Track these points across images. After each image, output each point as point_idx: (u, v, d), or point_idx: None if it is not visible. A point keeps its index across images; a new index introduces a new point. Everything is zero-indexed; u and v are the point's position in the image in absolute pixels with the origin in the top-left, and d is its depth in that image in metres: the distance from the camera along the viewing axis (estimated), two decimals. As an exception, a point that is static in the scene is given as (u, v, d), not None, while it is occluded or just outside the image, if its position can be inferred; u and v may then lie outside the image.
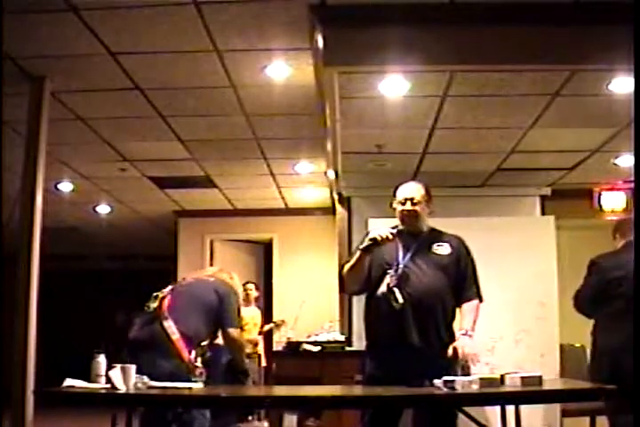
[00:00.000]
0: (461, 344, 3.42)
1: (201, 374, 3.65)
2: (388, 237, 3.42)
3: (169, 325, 3.65)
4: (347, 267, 3.58)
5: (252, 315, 7.51)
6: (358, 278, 3.58)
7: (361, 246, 3.47)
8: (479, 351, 3.46)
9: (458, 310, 3.59)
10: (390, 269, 3.52)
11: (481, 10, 3.87)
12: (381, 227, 3.51)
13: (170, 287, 3.91)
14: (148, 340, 3.67)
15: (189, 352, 3.65)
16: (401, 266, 3.51)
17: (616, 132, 5.41)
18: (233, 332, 3.85)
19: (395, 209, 3.64)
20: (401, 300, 3.43)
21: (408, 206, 3.58)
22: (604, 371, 3.91)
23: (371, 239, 3.42)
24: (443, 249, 3.60)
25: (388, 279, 3.50)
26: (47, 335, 5.89)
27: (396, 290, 3.45)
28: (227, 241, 9.40)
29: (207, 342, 3.89)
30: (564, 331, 5.86)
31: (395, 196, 3.66)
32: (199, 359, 3.71)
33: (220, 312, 3.83)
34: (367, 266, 3.56)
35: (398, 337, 3.44)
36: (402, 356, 3.42)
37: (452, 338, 3.49)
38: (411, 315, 3.44)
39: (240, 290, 4.19)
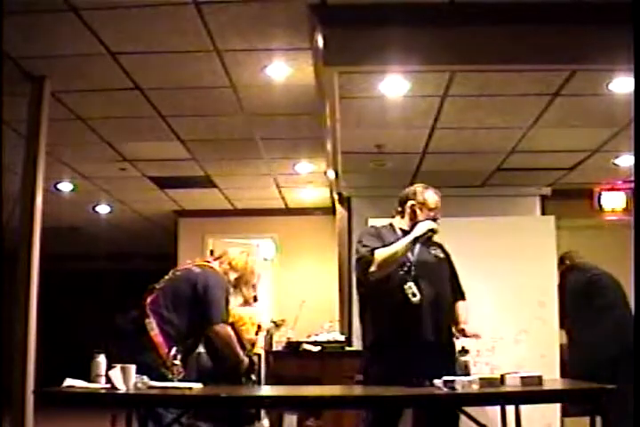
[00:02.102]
0: (467, 329, 3.59)
1: (179, 372, 3.63)
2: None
3: (149, 321, 3.66)
4: (386, 254, 3.50)
5: (250, 314, 7.49)
6: (390, 268, 3.53)
7: (419, 235, 3.51)
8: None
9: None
10: (402, 265, 3.54)
11: (481, 10, 3.87)
12: (426, 221, 3.57)
13: (165, 278, 3.88)
14: (132, 333, 3.68)
15: (169, 349, 3.63)
16: (413, 262, 3.55)
17: (616, 132, 5.41)
18: (217, 327, 3.73)
19: (416, 209, 3.66)
20: (418, 295, 3.46)
21: (438, 215, 3.67)
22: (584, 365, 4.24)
23: (431, 230, 3.51)
24: (439, 252, 3.72)
25: (400, 274, 3.51)
26: (47, 335, 5.89)
27: (411, 285, 3.48)
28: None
29: (192, 338, 3.82)
30: (563, 331, 5.86)
31: (424, 198, 3.67)
32: (179, 357, 3.66)
33: (201, 308, 3.72)
34: None
35: (415, 333, 3.47)
36: (417, 353, 3.42)
37: (452, 334, 3.60)
38: (426, 311, 3.49)
39: (247, 275, 4.04)
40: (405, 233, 3.62)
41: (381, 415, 3.44)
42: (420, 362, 3.36)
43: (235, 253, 4.08)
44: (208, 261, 4.02)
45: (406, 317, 3.47)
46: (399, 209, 3.74)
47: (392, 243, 3.54)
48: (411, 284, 3.48)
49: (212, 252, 8.78)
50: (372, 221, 6.01)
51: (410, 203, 3.67)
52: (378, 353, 3.58)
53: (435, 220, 3.63)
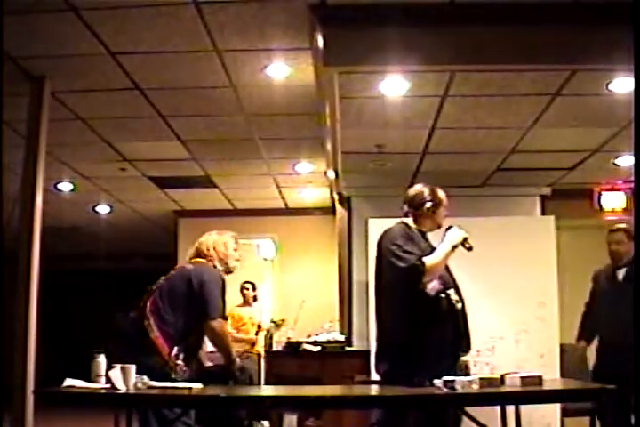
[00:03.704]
0: None
1: (183, 371, 3.64)
2: None
3: (148, 323, 3.64)
4: (434, 262, 3.45)
5: (249, 314, 7.50)
6: (437, 275, 3.52)
7: (458, 243, 3.49)
8: None
9: None
10: None
11: (481, 10, 3.87)
12: (455, 228, 3.56)
13: (162, 279, 3.88)
14: (134, 336, 3.67)
15: (170, 349, 3.62)
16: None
17: (616, 132, 5.41)
18: (213, 323, 3.68)
19: (435, 210, 3.64)
20: (460, 302, 3.50)
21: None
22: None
23: (466, 239, 3.50)
24: None
25: (440, 281, 3.50)
26: (47, 335, 5.89)
27: (452, 291, 3.49)
28: (227, 241, 9.39)
29: (193, 335, 3.82)
30: (564, 331, 5.86)
31: (441, 198, 3.67)
32: (181, 356, 3.66)
33: (198, 303, 3.70)
34: None
35: (461, 337, 3.49)
36: (458, 355, 3.47)
37: None
38: (463, 316, 3.52)
39: (229, 256, 3.94)
40: (423, 234, 3.61)
41: (392, 415, 3.43)
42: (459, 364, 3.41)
43: (211, 239, 3.98)
44: (197, 257, 4.01)
45: (454, 323, 3.47)
46: (413, 210, 3.66)
47: (422, 246, 3.53)
48: (452, 291, 3.48)
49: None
50: (372, 221, 6.04)
51: (429, 204, 3.62)
52: (414, 356, 3.41)
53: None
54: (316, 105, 5.02)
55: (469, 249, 3.53)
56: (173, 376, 3.53)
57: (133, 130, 6.03)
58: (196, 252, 4.00)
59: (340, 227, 7.47)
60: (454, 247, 3.49)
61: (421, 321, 3.43)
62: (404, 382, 3.18)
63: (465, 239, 3.51)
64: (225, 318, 3.82)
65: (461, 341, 3.49)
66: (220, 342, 3.78)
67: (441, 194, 3.68)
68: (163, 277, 3.91)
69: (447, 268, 3.64)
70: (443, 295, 3.45)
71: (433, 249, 3.55)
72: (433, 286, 3.45)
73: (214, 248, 3.95)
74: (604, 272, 5.04)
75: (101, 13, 3.99)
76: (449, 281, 3.55)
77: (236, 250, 4.02)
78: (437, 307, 3.44)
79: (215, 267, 3.91)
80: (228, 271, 3.97)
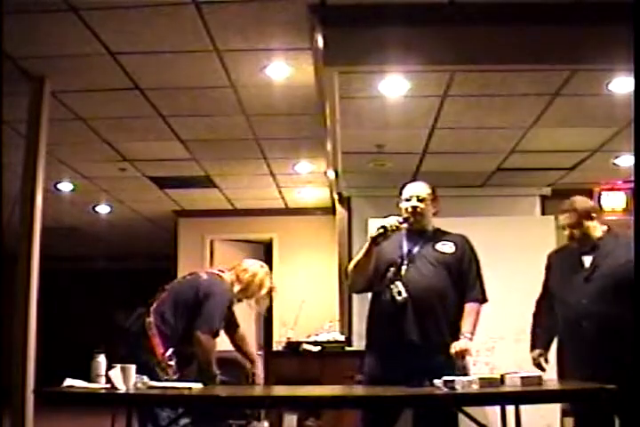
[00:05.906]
0: (457, 344, 3.42)
1: (174, 373, 3.65)
2: (397, 226, 3.44)
3: (149, 321, 3.71)
4: (353, 263, 3.58)
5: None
6: (365, 275, 3.55)
7: (372, 235, 3.44)
8: (472, 349, 3.46)
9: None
10: (394, 265, 3.53)
11: (481, 10, 3.87)
12: (390, 217, 3.49)
13: (175, 281, 3.97)
14: (135, 332, 3.73)
15: (165, 349, 3.66)
16: (404, 262, 3.53)
17: (616, 132, 5.41)
18: (201, 337, 3.71)
19: (401, 208, 3.65)
20: (404, 294, 3.44)
21: (414, 202, 3.59)
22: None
23: (380, 228, 3.42)
24: (447, 248, 3.60)
25: (390, 274, 3.51)
26: (47, 335, 5.89)
27: (398, 284, 3.46)
28: (227, 241, 9.40)
29: (189, 341, 3.82)
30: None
31: (401, 194, 3.67)
32: (174, 358, 3.68)
33: (196, 313, 3.74)
34: (373, 262, 3.55)
35: (399, 333, 3.44)
36: (401, 352, 3.43)
37: (455, 336, 3.46)
38: (411, 310, 3.44)
39: (263, 289, 3.98)
40: (409, 232, 3.61)
41: (377, 418, 3.44)
42: (404, 363, 3.37)
43: (247, 265, 4.04)
44: (221, 271, 4.03)
45: (391, 317, 3.47)
46: None
47: (389, 247, 3.55)
48: (398, 283, 3.47)
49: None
50: (372, 221, 6.03)
51: (399, 200, 3.68)
52: (369, 353, 3.60)
53: (415, 209, 3.58)
54: (316, 105, 5.02)
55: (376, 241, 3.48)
56: (164, 377, 3.54)
57: (133, 130, 6.03)
58: (231, 268, 4.02)
59: (339, 227, 7.47)
60: (373, 240, 3.47)
61: (369, 319, 3.61)
62: (399, 381, 3.18)
63: (381, 227, 3.43)
64: (216, 335, 3.80)
65: (404, 334, 3.43)
66: (202, 356, 3.76)
67: (404, 188, 3.68)
68: (177, 279, 4.02)
69: (433, 261, 3.58)
70: (383, 290, 3.49)
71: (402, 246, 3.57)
72: (384, 278, 3.53)
73: (253, 284, 3.97)
74: (567, 258, 3.95)
75: (101, 13, 3.99)
76: (414, 272, 3.51)
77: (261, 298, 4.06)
78: (378, 302, 3.55)
79: (231, 285, 3.93)
80: (238, 300, 4.01)
